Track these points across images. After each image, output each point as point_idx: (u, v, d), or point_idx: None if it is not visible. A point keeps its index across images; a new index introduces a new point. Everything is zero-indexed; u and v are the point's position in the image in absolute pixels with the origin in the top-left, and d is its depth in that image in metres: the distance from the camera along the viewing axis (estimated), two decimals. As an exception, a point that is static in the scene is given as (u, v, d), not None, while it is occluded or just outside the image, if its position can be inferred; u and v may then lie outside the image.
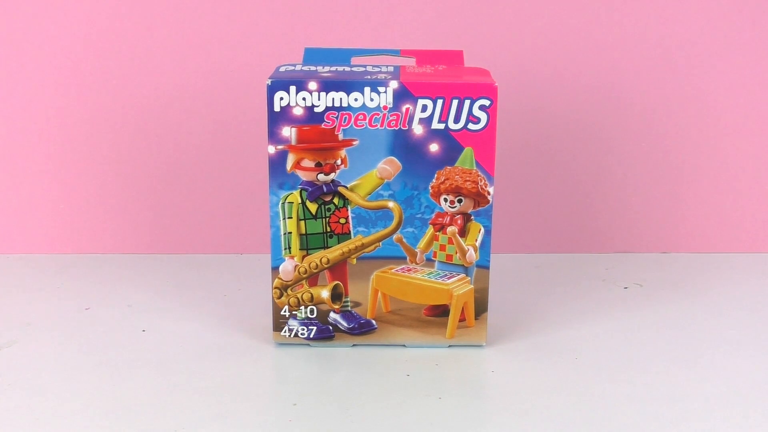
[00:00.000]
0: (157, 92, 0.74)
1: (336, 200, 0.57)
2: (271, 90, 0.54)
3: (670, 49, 0.75)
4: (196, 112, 0.75)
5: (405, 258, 0.58)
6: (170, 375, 0.54)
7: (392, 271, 0.58)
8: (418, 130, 0.55)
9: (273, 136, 0.55)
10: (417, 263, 0.58)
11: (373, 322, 0.59)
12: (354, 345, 0.59)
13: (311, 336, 0.59)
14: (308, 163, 0.56)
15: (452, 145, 0.55)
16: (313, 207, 0.57)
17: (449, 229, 0.57)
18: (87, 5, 0.72)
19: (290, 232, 0.57)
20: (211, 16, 0.74)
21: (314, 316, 0.59)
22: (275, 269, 0.58)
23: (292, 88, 0.54)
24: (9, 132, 0.75)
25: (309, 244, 0.58)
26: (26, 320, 0.62)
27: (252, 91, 0.73)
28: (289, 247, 0.57)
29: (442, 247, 0.58)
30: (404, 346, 0.59)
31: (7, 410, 0.49)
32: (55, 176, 0.75)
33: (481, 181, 0.56)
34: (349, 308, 0.59)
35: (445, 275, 0.58)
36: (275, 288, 0.58)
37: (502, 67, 0.72)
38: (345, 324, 0.59)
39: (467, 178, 0.56)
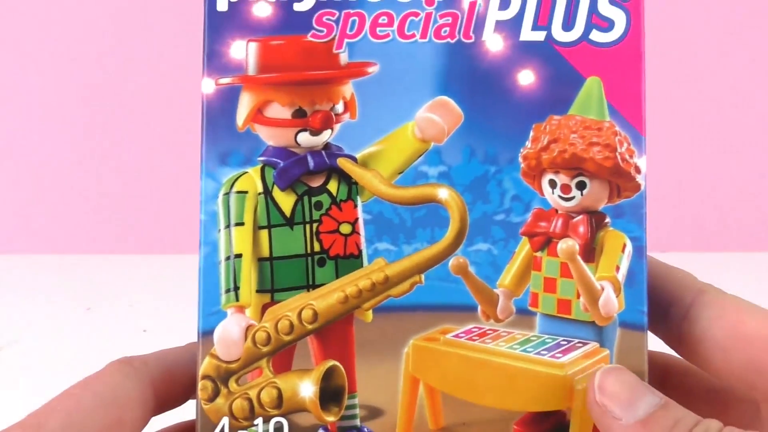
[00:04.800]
0: (157, 92, 0.73)
1: (333, 186, 0.29)
2: (213, -25, 0.28)
3: (669, 49, 0.74)
4: (196, 113, 0.64)
5: (473, 308, 0.28)
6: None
7: (446, 337, 0.28)
8: (494, 43, 0.28)
9: (213, 60, 0.28)
10: (498, 319, 0.28)
11: (409, 453, 0.28)
12: None
13: (276, 488, 0.27)
14: (279, 110, 0.28)
15: (562, 72, 0.28)
16: (287, 201, 0.28)
17: (564, 245, 0.28)
18: (84, 8, 0.74)
19: (239, 256, 0.28)
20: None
21: (284, 439, 0.28)
22: (206, 335, 0.28)
23: (253, -29, 0.28)
24: (9, 133, 0.75)
25: (277, 279, 0.28)
26: (26, 320, 0.62)
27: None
28: (236, 288, 0.28)
29: (550, 284, 0.29)
30: None
31: (7, 410, 0.45)
32: (55, 176, 0.76)
33: (621, 145, 0.28)
34: (358, 423, 0.28)
35: (558, 346, 0.28)
36: (204, 378, 0.28)
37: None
38: (349, 458, 0.28)
39: (594, 139, 0.28)
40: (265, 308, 0.28)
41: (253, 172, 0.28)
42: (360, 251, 0.28)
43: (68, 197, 0.77)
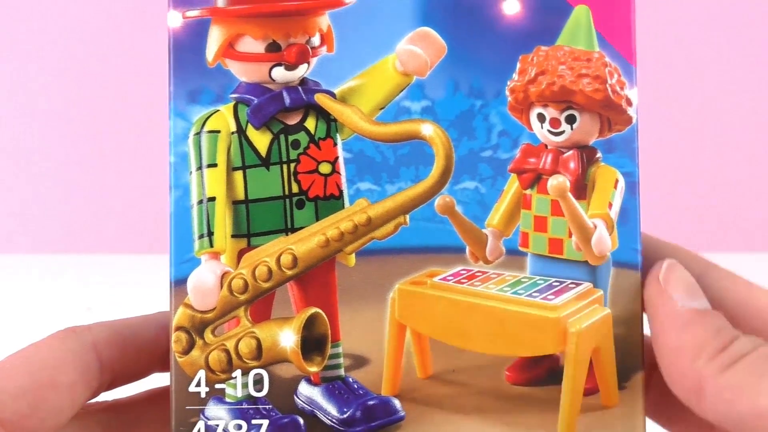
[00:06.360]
0: (157, 93, 0.71)
1: (311, 123, 0.27)
2: None
3: (667, 49, 0.75)
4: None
5: (461, 250, 0.27)
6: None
7: (433, 280, 0.27)
8: (477, -29, 0.27)
9: (179, -8, 0.27)
10: (488, 260, 0.27)
11: (396, 404, 0.26)
12: (354, 464, 0.26)
13: (257, 443, 0.26)
14: (252, 44, 0.27)
15: (548, 0, 0.27)
16: (262, 140, 0.27)
17: (554, 182, 0.27)
18: (79, 8, 0.76)
19: (212, 199, 0.26)
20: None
21: (263, 393, 0.26)
22: (179, 284, 0.26)
23: None
24: (9, 133, 0.76)
25: (253, 223, 0.27)
26: (26, 320, 0.61)
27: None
28: (210, 233, 0.26)
29: (540, 223, 0.27)
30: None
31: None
32: (55, 176, 0.77)
33: (612, 76, 0.27)
34: (342, 374, 0.27)
35: (550, 287, 0.27)
36: (177, 329, 0.26)
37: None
38: (333, 411, 0.26)
39: (584, 70, 0.27)
40: (241, 254, 0.26)
41: (226, 110, 0.27)
42: (341, 192, 0.27)
43: (68, 197, 0.77)
